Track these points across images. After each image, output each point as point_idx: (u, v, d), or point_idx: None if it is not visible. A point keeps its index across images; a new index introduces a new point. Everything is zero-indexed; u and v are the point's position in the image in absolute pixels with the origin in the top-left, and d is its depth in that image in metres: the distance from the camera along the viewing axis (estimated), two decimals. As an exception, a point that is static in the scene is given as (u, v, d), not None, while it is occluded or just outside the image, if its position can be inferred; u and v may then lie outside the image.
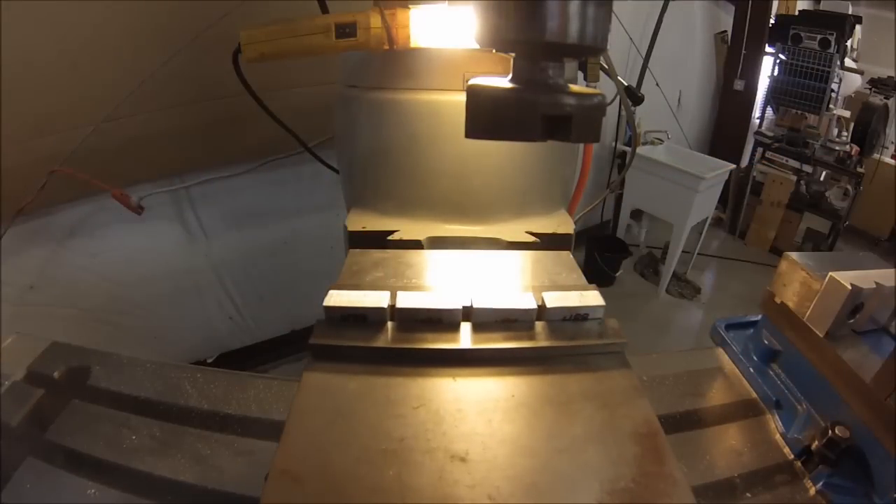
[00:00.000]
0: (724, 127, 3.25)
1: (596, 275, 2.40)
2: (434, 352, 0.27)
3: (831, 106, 2.77)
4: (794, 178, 2.84)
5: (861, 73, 2.95)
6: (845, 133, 2.74)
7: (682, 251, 2.40)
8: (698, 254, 2.66)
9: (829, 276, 0.42)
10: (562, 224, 0.61)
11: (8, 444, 0.40)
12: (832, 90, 2.71)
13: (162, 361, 0.51)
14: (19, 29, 0.90)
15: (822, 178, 2.81)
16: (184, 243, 1.38)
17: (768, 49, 2.91)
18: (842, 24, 2.58)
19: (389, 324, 0.29)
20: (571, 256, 0.40)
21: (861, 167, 2.66)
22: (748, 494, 0.40)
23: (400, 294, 0.30)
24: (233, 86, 0.69)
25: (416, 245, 0.54)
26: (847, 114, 2.84)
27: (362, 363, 0.27)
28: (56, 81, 0.98)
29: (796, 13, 2.91)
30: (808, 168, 2.80)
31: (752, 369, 0.50)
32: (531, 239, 0.58)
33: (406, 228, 0.56)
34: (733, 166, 2.38)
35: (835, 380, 0.41)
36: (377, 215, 0.59)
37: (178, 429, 0.44)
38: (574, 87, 0.29)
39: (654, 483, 0.20)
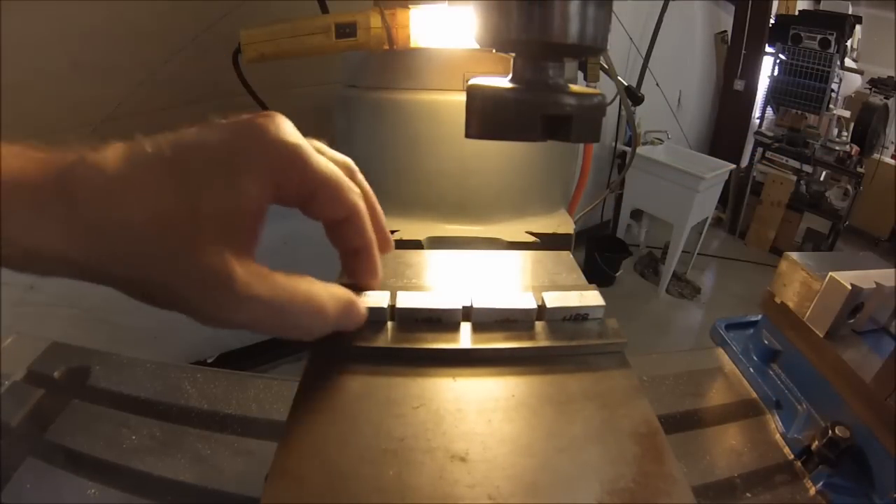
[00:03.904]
0: (724, 127, 3.26)
1: (596, 275, 2.40)
2: (434, 352, 0.27)
3: (831, 106, 2.77)
4: (794, 178, 2.84)
5: (861, 73, 2.96)
6: (845, 133, 2.74)
7: (682, 251, 2.40)
8: (698, 254, 2.67)
9: (829, 276, 0.42)
10: (562, 224, 0.61)
11: (8, 444, 0.40)
12: (832, 90, 2.71)
13: (162, 361, 0.51)
14: (19, 29, 0.90)
15: (822, 178, 2.81)
16: (184, 243, 1.38)
17: (768, 49, 2.91)
18: (842, 24, 2.58)
19: (389, 324, 0.29)
20: (571, 256, 0.40)
21: (861, 167, 2.66)
22: (748, 494, 0.40)
23: (400, 294, 0.30)
24: (233, 86, 0.69)
25: (416, 245, 0.54)
26: (847, 114, 2.85)
27: (362, 363, 0.26)
28: (56, 81, 0.98)
29: (796, 13, 2.92)
30: (808, 168, 2.80)
31: (752, 369, 0.50)
32: (531, 239, 0.58)
33: (406, 228, 0.56)
34: (733, 166, 2.38)
35: (835, 380, 0.41)
36: (377, 215, 0.59)
37: (178, 429, 0.44)
38: (574, 87, 0.29)
39: (653, 482, 0.20)
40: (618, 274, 2.52)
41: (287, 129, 0.23)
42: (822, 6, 3.03)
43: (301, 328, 0.24)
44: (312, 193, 0.24)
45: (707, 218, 2.50)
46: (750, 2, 2.77)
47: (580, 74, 0.63)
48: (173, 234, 0.19)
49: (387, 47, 0.53)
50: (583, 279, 0.36)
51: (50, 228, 0.19)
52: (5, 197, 0.19)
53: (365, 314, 0.27)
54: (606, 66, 0.64)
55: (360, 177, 0.29)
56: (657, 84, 2.33)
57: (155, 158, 0.20)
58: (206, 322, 0.21)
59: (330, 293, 0.25)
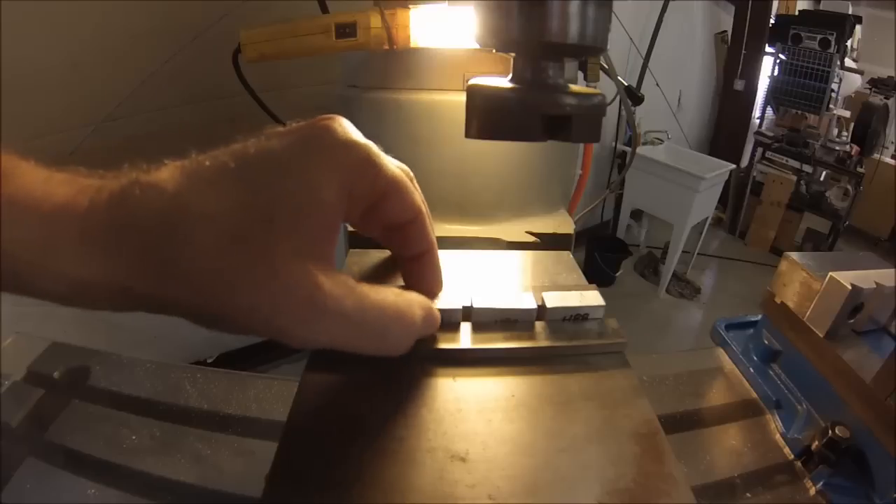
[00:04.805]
0: (724, 127, 3.26)
1: (596, 275, 2.41)
2: (434, 352, 0.27)
3: (831, 106, 2.77)
4: (794, 178, 2.84)
5: (861, 73, 2.95)
6: (845, 133, 2.74)
7: (682, 251, 2.40)
8: (698, 254, 2.67)
9: (829, 276, 0.42)
10: (562, 224, 0.61)
11: (8, 444, 0.40)
12: (832, 90, 2.71)
13: (162, 361, 0.51)
14: (20, 29, 0.90)
15: (822, 178, 2.81)
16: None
17: (768, 49, 2.91)
18: (842, 24, 2.58)
19: (389, 324, 0.28)
20: (571, 256, 0.40)
21: (861, 167, 2.66)
22: (748, 494, 0.40)
23: (400, 294, 0.29)
24: (233, 86, 0.69)
25: (416, 245, 0.54)
26: (847, 114, 2.84)
27: (362, 363, 0.26)
28: (56, 81, 0.98)
29: (796, 13, 2.91)
30: (808, 168, 2.81)
31: (752, 369, 0.50)
32: (531, 239, 0.58)
33: (406, 228, 0.56)
34: (733, 166, 2.38)
35: (835, 380, 0.41)
36: (377, 215, 0.59)
37: (178, 429, 0.44)
38: (574, 87, 0.29)
39: (654, 483, 0.20)
40: (618, 274, 2.52)
41: (354, 130, 0.22)
42: (822, 6, 3.03)
43: (392, 343, 0.22)
44: (383, 195, 0.23)
45: (707, 218, 2.50)
46: (750, 2, 2.77)
47: (580, 74, 0.63)
48: (249, 250, 0.17)
49: (387, 47, 0.53)
50: (583, 279, 0.36)
51: (104, 259, 0.17)
52: (51, 228, 0.17)
53: (439, 320, 0.26)
54: (606, 66, 0.64)
55: (415, 183, 0.28)
56: (657, 84, 2.33)
57: (217, 171, 0.18)
58: (293, 343, 0.19)
59: (416, 302, 0.23)
